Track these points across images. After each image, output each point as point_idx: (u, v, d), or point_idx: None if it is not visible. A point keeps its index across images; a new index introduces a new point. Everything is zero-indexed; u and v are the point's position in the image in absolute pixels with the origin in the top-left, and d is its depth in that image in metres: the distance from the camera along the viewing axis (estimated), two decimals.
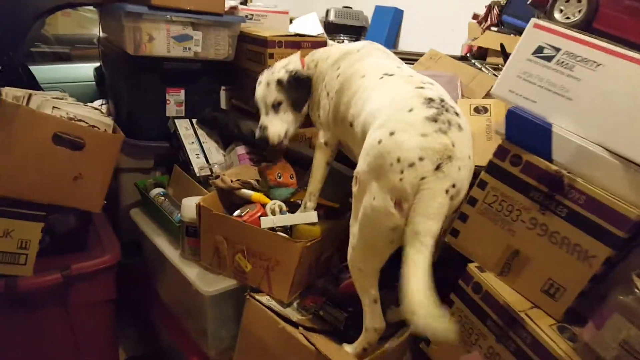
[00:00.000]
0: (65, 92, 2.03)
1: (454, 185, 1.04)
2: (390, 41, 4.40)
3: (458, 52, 2.99)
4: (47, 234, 1.68)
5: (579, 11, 1.07)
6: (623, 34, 1.04)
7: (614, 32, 1.04)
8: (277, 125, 1.55)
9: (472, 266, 1.13)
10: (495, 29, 2.75)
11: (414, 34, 4.35)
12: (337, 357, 1.14)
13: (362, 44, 1.50)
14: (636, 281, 0.89)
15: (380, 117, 1.16)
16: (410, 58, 2.37)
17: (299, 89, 1.53)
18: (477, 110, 1.53)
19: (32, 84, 2.24)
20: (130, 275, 1.97)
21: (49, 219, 1.65)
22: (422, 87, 1.20)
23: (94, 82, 2.74)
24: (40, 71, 2.50)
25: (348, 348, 1.28)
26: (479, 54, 2.70)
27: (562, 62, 1.02)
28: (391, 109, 1.15)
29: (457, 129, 1.08)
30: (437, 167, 1.03)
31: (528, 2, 1.24)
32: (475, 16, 2.97)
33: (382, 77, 1.30)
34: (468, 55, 2.80)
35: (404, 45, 4.45)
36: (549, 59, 1.04)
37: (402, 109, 1.13)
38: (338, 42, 4.15)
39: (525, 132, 1.04)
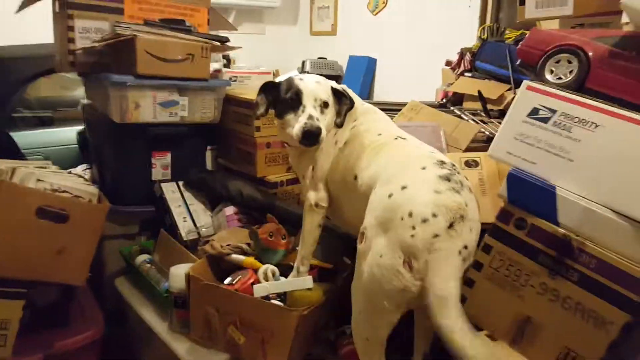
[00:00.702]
0: (48, 160, 2.00)
1: (466, 247, 1.02)
2: (365, 89, 4.52)
3: (433, 98, 3.07)
4: (27, 308, 1.58)
5: (570, 72, 1.08)
6: (617, 93, 1.04)
7: (608, 92, 1.05)
8: (325, 123, 1.35)
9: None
10: (469, 74, 2.82)
11: (389, 81, 4.48)
12: None
13: (372, 106, 1.49)
14: None
15: (391, 172, 1.15)
16: (391, 109, 2.39)
17: (347, 106, 1.41)
18: (467, 164, 1.52)
19: (14, 152, 2.20)
20: (113, 347, 1.87)
21: (31, 292, 1.57)
22: (433, 152, 1.22)
23: (77, 146, 2.71)
24: (23, 137, 2.47)
25: None
26: (455, 100, 2.76)
27: (560, 123, 1.01)
28: (404, 166, 1.16)
29: (468, 191, 1.09)
30: (450, 226, 1.00)
31: (517, 63, 1.25)
32: (447, 62, 3.07)
33: (396, 139, 1.31)
34: (444, 100, 2.85)
35: (380, 92, 4.58)
36: (545, 120, 1.03)
37: (416, 167, 1.13)
38: None
39: (528, 195, 1.02)
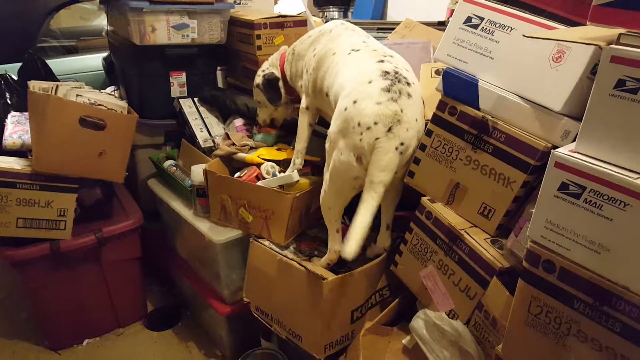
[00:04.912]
0: (81, 82, 2.31)
1: (402, 143, 1.32)
2: (378, 9, 4.53)
3: (444, 17, 3.18)
4: (77, 207, 1.98)
5: None
6: (533, 1, 1.28)
7: (527, 0, 1.29)
8: (262, 115, 2.02)
9: (424, 199, 1.40)
10: None
11: (402, 1, 4.48)
12: (321, 271, 1.45)
13: (333, 24, 1.74)
14: None
15: (347, 88, 1.42)
16: (388, 27, 2.60)
17: (270, 90, 1.90)
18: (437, 72, 1.77)
19: (50, 76, 2.51)
20: (150, 240, 2.29)
21: (79, 193, 1.95)
22: (382, 61, 1.44)
23: (103, 71, 3.00)
24: (52, 64, 2.74)
25: (317, 262, 1.60)
26: None
27: (485, 28, 1.26)
28: (355, 81, 1.41)
29: (406, 97, 1.34)
30: (389, 129, 1.30)
31: None
32: None
33: (349, 53, 1.54)
34: (449, 18, 2.99)
35: (393, 12, 4.58)
36: (475, 26, 1.28)
37: (364, 81, 1.38)
38: (327, 15, 4.34)
39: (458, 88, 1.29)
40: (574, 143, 0.91)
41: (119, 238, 2.05)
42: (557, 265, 0.94)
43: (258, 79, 1.94)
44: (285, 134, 2.08)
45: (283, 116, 2.01)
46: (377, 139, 1.29)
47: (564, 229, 0.91)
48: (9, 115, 2.19)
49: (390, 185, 1.36)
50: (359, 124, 1.31)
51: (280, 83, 1.91)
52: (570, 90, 1.11)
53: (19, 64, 2.49)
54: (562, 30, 1.11)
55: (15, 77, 2.39)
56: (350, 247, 1.28)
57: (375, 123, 1.29)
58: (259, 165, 1.85)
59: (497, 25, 1.25)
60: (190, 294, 2.26)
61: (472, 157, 1.30)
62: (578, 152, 0.89)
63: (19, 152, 2.04)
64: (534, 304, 1.00)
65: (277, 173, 1.82)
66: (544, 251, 0.96)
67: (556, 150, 0.92)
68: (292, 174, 1.73)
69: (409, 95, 1.35)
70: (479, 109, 1.27)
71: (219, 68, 2.45)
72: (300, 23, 2.20)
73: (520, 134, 1.20)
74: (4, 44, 2.67)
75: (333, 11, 4.55)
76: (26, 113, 2.14)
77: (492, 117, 1.25)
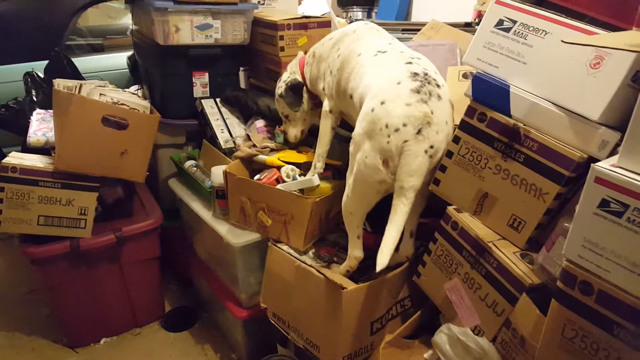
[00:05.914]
0: (105, 81, 2.32)
1: (432, 146, 1.27)
2: (403, 10, 4.46)
3: (470, 18, 3.11)
4: (99, 205, 1.98)
5: None
6: (568, 4, 1.22)
7: (561, 3, 1.22)
8: (292, 130, 1.91)
9: (450, 209, 1.35)
10: None
11: (428, 1, 4.40)
12: (340, 280, 1.41)
13: (357, 25, 1.70)
14: None
15: (373, 89, 1.37)
16: (413, 29, 2.55)
17: (291, 95, 1.85)
18: (465, 76, 1.72)
19: (76, 74, 2.54)
20: (170, 239, 2.28)
21: (100, 191, 1.95)
22: (410, 63, 1.39)
23: (127, 70, 3.03)
24: (78, 62, 2.78)
25: (336, 268, 1.56)
26: None
27: (518, 32, 1.21)
28: (383, 82, 1.36)
29: (436, 99, 1.29)
30: (418, 132, 1.25)
31: None
32: None
33: (376, 55, 1.50)
34: (476, 20, 2.92)
35: (417, 13, 4.50)
36: (507, 30, 1.23)
37: (392, 82, 1.33)
38: (351, 15, 4.30)
39: (488, 93, 1.24)
40: (616, 157, 0.85)
41: (138, 237, 2.04)
42: (595, 287, 0.88)
43: (280, 89, 1.87)
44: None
45: (310, 124, 1.95)
46: (405, 141, 1.25)
47: (603, 249, 0.85)
48: (34, 113, 2.21)
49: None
50: (386, 126, 1.26)
51: (305, 89, 1.86)
52: (609, 99, 1.05)
53: (46, 62, 2.53)
54: (603, 36, 1.05)
55: (41, 75, 2.42)
56: (384, 258, 1.23)
57: (404, 125, 1.25)
58: (279, 167, 1.82)
59: (531, 29, 1.19)
60: (207, 296, 2.25)
61: (502, 166, 1.24)
62: (621, 167, 0.83)
63: (43, 149, 2.06)
64: (569, 327, 0.93)
65: (297, 176, 1.79)
66: (581, 272, 0.89)
67: (597, 164, 0.86)
68: (313, 178, 1.69)
69: (439, 97, 1.30)
70: (510, 116, 1.21)
71: (241, 69, 2.44)
72: (324, 24, 2.17)
73: (554, 143, 1.14)
74: (32, 41, 2.71)
75: (357, 11, 4.50)
76: (51, 111, 2.16)
77: (524, 125, 1.19)
